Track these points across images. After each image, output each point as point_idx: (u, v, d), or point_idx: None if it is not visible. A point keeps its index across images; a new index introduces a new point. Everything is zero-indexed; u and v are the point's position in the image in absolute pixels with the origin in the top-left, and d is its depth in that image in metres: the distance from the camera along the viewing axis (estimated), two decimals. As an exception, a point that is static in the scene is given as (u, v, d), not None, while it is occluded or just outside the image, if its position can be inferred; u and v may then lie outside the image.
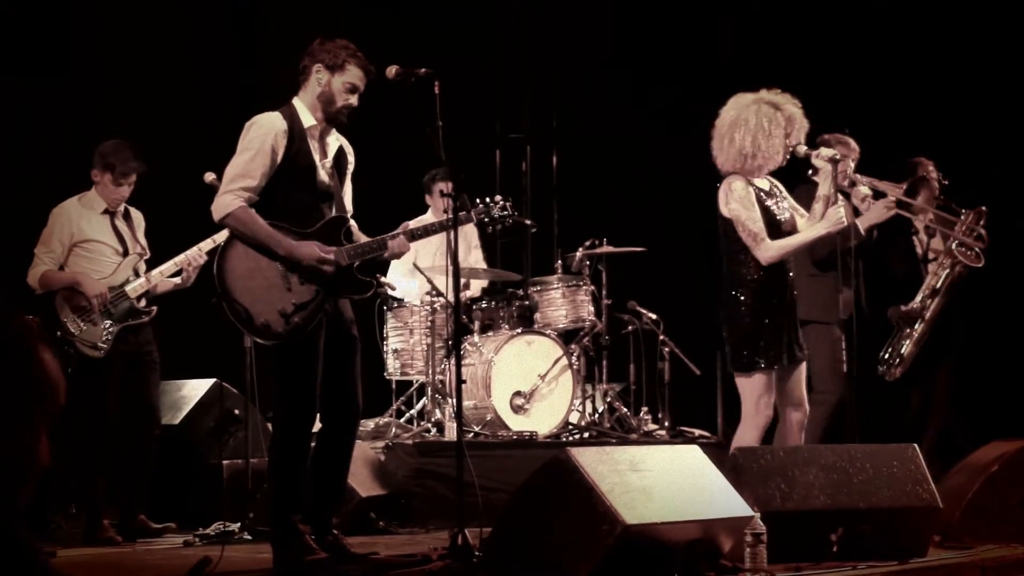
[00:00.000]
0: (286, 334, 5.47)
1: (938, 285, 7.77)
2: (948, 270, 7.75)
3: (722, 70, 10.00)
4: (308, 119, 5.61)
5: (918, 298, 7.77)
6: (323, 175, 5.64)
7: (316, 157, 5.61)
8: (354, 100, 5.63)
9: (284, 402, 5.57)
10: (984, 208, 7.60)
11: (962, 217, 7.69)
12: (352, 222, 5.78)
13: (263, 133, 5.51)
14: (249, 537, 6.76)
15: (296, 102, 5.64)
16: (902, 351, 7.75)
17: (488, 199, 5.96)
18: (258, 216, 5.48)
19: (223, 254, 5.51)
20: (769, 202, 6.30)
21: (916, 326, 7.74)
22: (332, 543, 5.61)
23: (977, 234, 7.63)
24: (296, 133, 5.55)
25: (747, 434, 6.22)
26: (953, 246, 7.70)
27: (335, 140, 5.75)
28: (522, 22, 11.04)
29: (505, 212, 5.96)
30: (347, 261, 5.59)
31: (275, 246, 5.46)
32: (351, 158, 5.85)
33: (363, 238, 5.73)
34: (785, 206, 6.38)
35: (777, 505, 5.34)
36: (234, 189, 5.47)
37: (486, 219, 5.94)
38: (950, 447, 7.67)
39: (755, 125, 6.20)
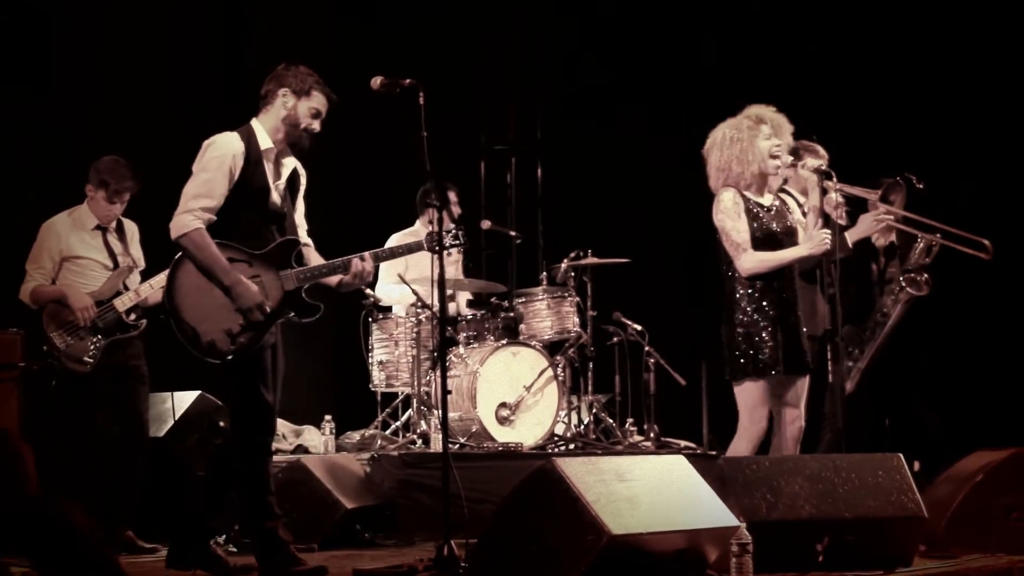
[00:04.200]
0: (231, 353, 5.54)
1: (887, 311, 7.74)
2: (897, 298, 7.72)
3: (705, 83, 10.03)
4: (265, 142, 5.68)
5: (869, 323, 7.75)
6: (275, 197, 5.72)
7: (270, 179, 5.70)
8: (317, 125, 5.74)
9: (241, 418, 5.68)
10: (937, 236, 7.56)
11: (917, 241, 7.67)
12: (307, 243, 5.89)
13: (221, 154, 5.58)
14: (235, 549, 6.74)
15: (255, 124, 5.72)
16: (852, 370, 7.73)
17: (442, 231, 5.91)
18: (212, 242, 5.53)
19: (175, 271, 5.58)
20: (766, 217, 6.31)
21: (865, 349, 7.73)
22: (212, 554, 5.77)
23: (924, 264, 7.62)
24: (252, 155, 5.63)
25: (740, 445, 6.25)
26: (901, 278, 7.68)
27: (290, 162, 5.82)
28: (506, 33, 11.05)
29: (457, 241, 5.95)
30: (295, 285, 5.67)
31: (221, 276, 5.51)
32: (303, 179, 5.93)
33: (314, 261, 5.83)
34: (791, 222, 6.38)
35: (763, 515, 5.35)
36: (194, 209, 5.53)
37: (437, 247, 5.93)
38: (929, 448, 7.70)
39: (721, 139, 6.33)
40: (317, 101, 5.71)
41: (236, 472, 5.70)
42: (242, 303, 5.52)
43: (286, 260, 5.69)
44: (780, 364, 6.21)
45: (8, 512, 4.13)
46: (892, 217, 7.25)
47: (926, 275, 7.63)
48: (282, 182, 5.76)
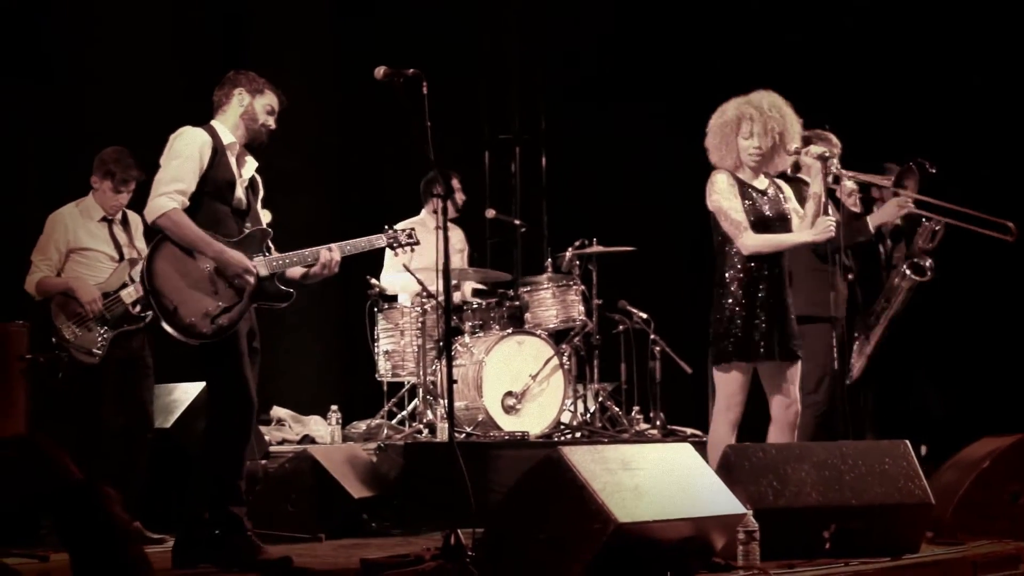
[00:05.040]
0: (210, 334, 5.67)
1: (891, 296, 7.73)
2: (901, 283, 7.71)
3: (711, 70, 10.01)
4: (228, 137, 5.87)
5: (876, 306, 7.74)
6: (240, 191, 5.88)
7: (235, 173, 5.86)
8: (272, 122, 5.95)
9: (221, 400, 5.80)
10: (942, 220, 7.55)
11: (922, 226, 7.66)
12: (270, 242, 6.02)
13: (190, 141, 5.76)
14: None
15: (215, 123, 5.90)
16: (859, 356, 7.72)
17: (399, 230, 6.25)
18: (190, 220, 5.69)
19: (152, 255, 5.69)
20: (760, 200, 6.31)
21: (871, 332, 7.72)
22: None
23: (928, 249, 7.61)
24: (218, 147, 5.80)
25: (720, 429, 6.24)
26: (904, 265, 7.67)
27: (251, 165, 5.98)
28: (508, 23, 11.05)
29: (411, 239, 6.24)
30: (268, 271, 5.82)
31: (205, 248, 5.69)
32: (261, 188, 6.09)
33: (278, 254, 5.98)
34: (785, 208, 6.38)
35: (769, 502, 5.35)
36: (168, 192, 5.68)
37: (394, 244, 6.20)
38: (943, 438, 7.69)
39: (711, 125, 6.37)
40: (270, 99, 5.93)
41: (212, 453, 5.77)
42: (231, 269, 5.69)
43: (259, 248, 5.87)
44: (768, 350, 6.20)
45: (54, 491, 4.29)
46: (914, 203, 7.26)
47: (930, 261, 7.63)
48: (245, 180, 5.93)
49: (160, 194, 5.67)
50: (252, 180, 6.01)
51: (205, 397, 7.76)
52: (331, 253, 5.90)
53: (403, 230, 6.23)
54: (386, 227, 6.25)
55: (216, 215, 5.77)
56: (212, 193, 5.76)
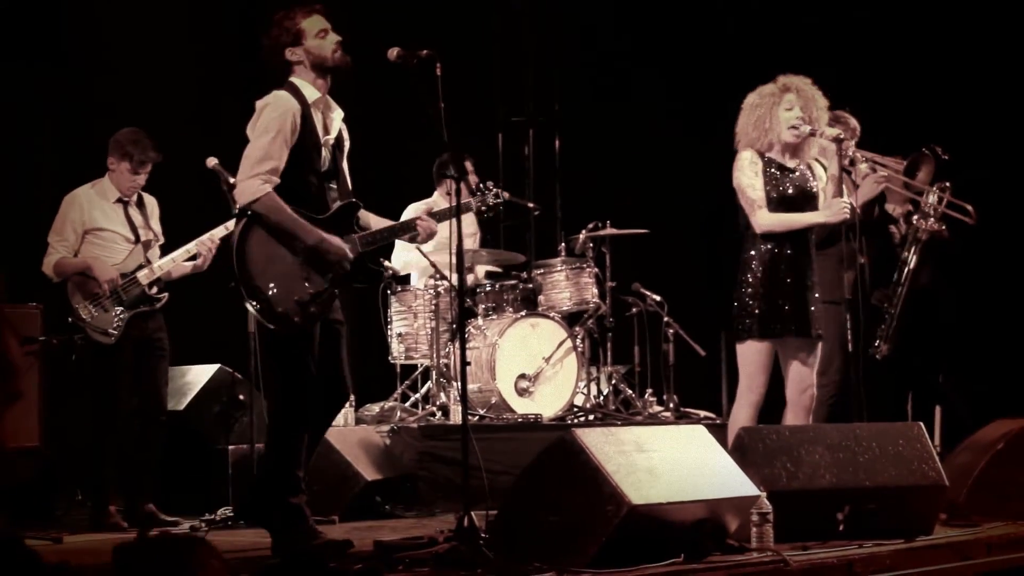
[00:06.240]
0: (303, 324, 5.46)
1: (911, 263, 7.72)
2: (914, 244, 7.71)
3: (725, 52, 9.98)
4: (312, 93, 5.58)
5: (895, 278, 7.74)
6: (326, 153, 5.62)
7: (320, 134, 5.60)
8: (333, 37, 5.64)
9: (286, 387, 5.55)
10: (947, 184, 7.55)
11: (927, 193, 7.66)
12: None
13: (281, 112, 5.46)
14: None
15: (295, 80, 5.60)
16: (888, 330, 7.72)
17: (480, 186, 6.05)
18: (284, 203, 5.42)
19: (243, 240, 5.42)
20: (785, 179, 6.30)
21: (895, 303, 7.71)
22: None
23: (940, 211, 7.61)
24: (306, 112, 5.53)
25: (740, 411, 6.25)
26: (914, 220, 7.68)
27: (338, 117, 5.71)
28: (523, 4, 11.01)
29: (499, 199, 6.07)
30: (360, 250, 5.60)
31: (304, 235, 5.43)
32: (347, 136, 5.81)
33: (370, 221, 5.75)
34: (812, 187, 6.36)
35: (783, 484, 5.35)
36: (261, 173, 5.39)
37: (483, 207, 6.02)
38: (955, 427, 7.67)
39: (747, 104, 6.37)
40: (312, 25, 5.61)
41: (270, 442, 5.61)
42: (330, 257, 5.46)
43: (348, 225, 5.63)
44: (787, 327, 6.21)
45: None
46: (887, 176, 7.25)
47: (933, 220, 7.62)
48: (331, 137, 5.66)
49: (251, 175, 5.39)
50: (339, 136, 5.72)
51: (218, 379, 7.84)
52: (427, 222, 5.76)
53: (488, 188, 6.04)
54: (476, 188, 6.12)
55: (304, 187, 5.49)
56: (302, 163, 5.49)
